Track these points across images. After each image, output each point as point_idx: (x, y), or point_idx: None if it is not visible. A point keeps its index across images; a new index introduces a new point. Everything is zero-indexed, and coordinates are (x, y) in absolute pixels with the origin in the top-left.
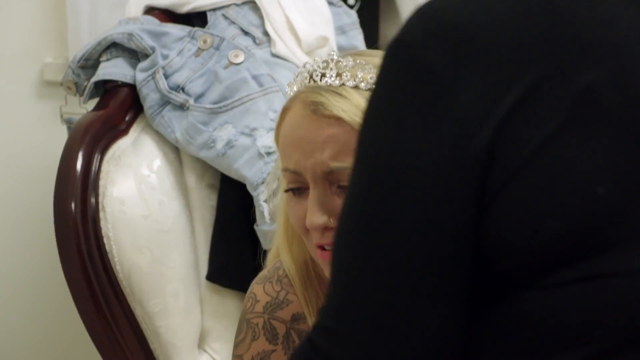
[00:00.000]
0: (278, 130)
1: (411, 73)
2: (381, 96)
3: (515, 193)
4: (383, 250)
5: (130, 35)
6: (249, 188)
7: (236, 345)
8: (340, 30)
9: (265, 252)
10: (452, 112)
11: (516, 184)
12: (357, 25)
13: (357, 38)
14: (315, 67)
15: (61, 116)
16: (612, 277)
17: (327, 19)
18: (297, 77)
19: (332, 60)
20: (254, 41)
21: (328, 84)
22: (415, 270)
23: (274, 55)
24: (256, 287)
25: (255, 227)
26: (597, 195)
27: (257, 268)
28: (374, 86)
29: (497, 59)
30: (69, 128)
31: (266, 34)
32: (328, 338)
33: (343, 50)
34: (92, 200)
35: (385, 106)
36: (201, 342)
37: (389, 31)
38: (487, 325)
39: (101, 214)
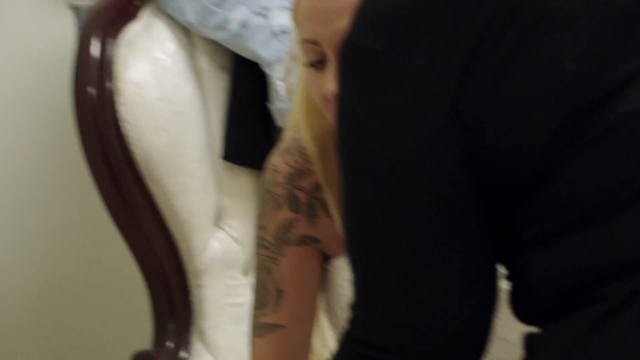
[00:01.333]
0: (296, 2)
1: (366, 66)
2: (345, 95)
3: (497, 108)
4: (390, 230)
5: None
6: (263, 67)
7: (260, 217)
8: None
9: (279, 130)
10: (412, 78)
11: (494, 102)
12: None
13: None
14: None
15: (68, 2)
16: (610, 131)
17: None
18: None
19: None
20: None
21: None
22: (426, 233)
23: None
24: (276, 158)
25: (269, 105)
26: (569, 70)
27: (271, 146)
28: None
29: (434, 22)
30: (77, 16)
31: None
32: (367, 329)
33: None
34: (109, 85)
35: (351, 102)
36: (217, 220)
37: None
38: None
39: (118, 98)
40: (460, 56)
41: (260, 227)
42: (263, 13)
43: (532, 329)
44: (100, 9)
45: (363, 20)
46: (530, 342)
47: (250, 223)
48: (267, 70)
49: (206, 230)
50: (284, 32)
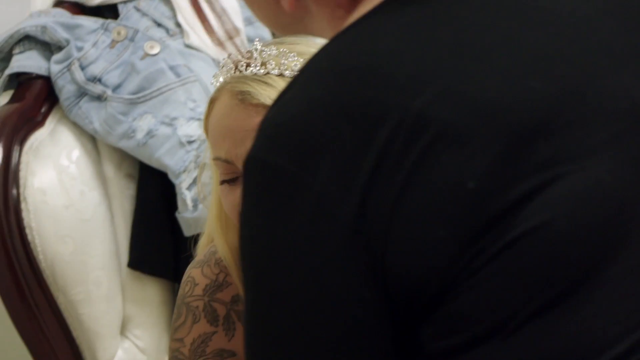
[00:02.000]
0: (207, 121)
1: (266, 180)
2: (247, 210)
3: (398, 228)
4: (291, 351)
5: (44, 27)
6: (170, 176)
7: (176, 330)
8: (248, 21)
9: (187, 239)
10: (314, 196)
11: (396, 223)
12: None
13: (264, 28)
14: (240, 57)
15: None
16: (510, 247)
17: (235, 10)
18: (222, 68)
19: (256, 50)
20: (167, 32)
21: (253, 73)
22: (330, 354)
23: (188, 46)
24: (194, 271)
25: (177, 214)
26: (469, 188)
27: (178, 255)
28: (298, 73)
29: (336, 139)
30: None
31: (178, 25)
32: None
33: (251, 42)
34: (14, 191)
35: (255, 220)
36: (123, 329)
37: None
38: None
39: (23, 205)
40: (362, 174)
41: (176, 340)
42: (169, 123)
43: None
44: (5, 115)
45: (266, 135)
46: None
47: (156, 332)
48: (174, 180)
49: (112, 339)
50: (190, 141)
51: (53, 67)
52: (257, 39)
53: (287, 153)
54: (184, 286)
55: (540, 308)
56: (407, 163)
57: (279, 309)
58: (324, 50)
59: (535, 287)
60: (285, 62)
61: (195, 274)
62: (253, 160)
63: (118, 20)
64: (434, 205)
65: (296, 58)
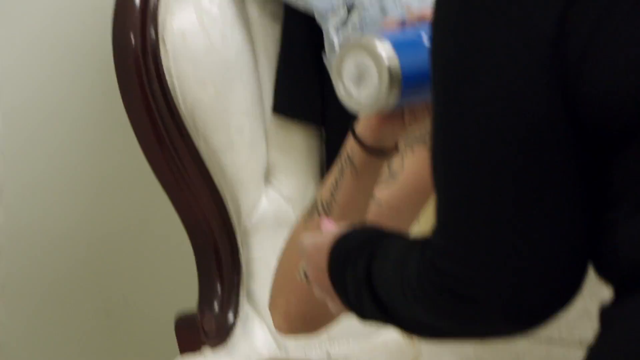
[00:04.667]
0: None
1: None
2: (442, 15)
3: (602, 43)
4: (481, 157)
5: None
6: (317, 18)
7: None
8: None
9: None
10: (512, 4)
11: (599, 37)
12: None
13: None
14: None
15: None
16: None
17: None
18: None
19: None
20: None
21: None
22: (519, 163)
23: None
24: None
25: (324, 56)
26: None
27: (324, 99)
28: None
29: None
30: None
31: None
32: (452, 260)
33: None
34: (152, 33)
35: (448, 23)
36: (267, 177)
37: None
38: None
39: (161, 48)
40: None
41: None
42: None
43: (608, 302)
44: None
45: None
46: (606, 315)
47: (301, 180)
48: (320, 21)
49: (255, 187)
50: None
51: None
52: None
53: None
54: None
55: None
56: None
57: (469, 113)
58: None
59: None
60: None
61: None
62: None
63: None
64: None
65: None
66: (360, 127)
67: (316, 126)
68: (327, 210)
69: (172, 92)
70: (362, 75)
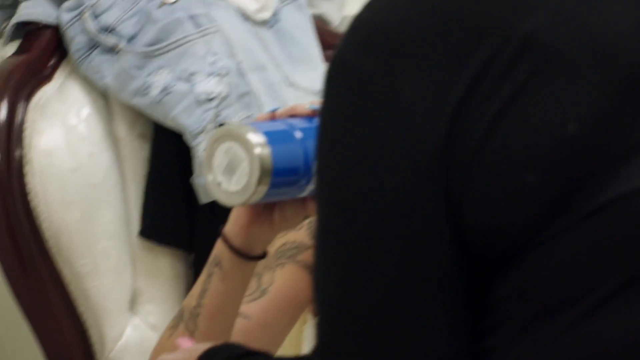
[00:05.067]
0: None
1: (352, 86)
2: (328, 118)
3: (484, 164)
4: (363, 269)
5: None
6: (187, 137)
7: None
8: None
9: (203, 207)
10: (400, 112)
11: (482, 157)
12: None
13: None
14: None
15: None
16: (604, 209)
17: None
18: None
19: None
20: None
21: None
22: (402, 276)
23: None
24: None
25: (193, 179)
26: (570, 132)
27: (193, 224)
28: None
29: (433, 49)
30: None
31: None
32: None
33: None
34: (18, 152)
35: (334, 127)
36: (133, 304)
37: None
38: (496, 302)
39: (27, 168)
40: (455, 93)
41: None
42: (187, 78)
43: None
44: (10, 68)
45: (356, 36)
46: None
47: (168, 307)
48: (190, 141)
49: (120, 315)
50: (209, 99)
51: (63, 15)
52: None
53: (379, 57)
54: None
55: (624, 286)
56: (505, 90)
57: (351, 222)
58: None
59: (628, 259)
60: None
61: None
62: (338, 62)
63: None
64: (527, 143)
65: None
66: (229, 227)
67: (185, 251)
68: (194, 319)
69: (36, 213)
70: (232, 164)
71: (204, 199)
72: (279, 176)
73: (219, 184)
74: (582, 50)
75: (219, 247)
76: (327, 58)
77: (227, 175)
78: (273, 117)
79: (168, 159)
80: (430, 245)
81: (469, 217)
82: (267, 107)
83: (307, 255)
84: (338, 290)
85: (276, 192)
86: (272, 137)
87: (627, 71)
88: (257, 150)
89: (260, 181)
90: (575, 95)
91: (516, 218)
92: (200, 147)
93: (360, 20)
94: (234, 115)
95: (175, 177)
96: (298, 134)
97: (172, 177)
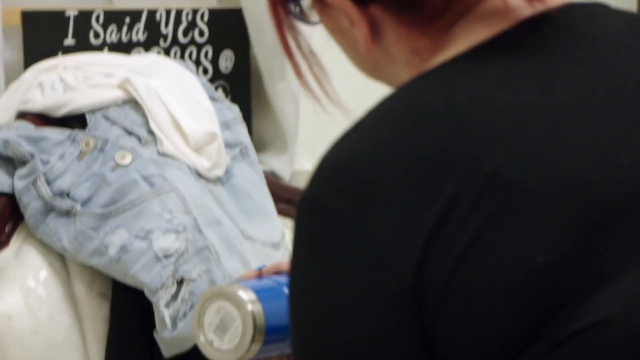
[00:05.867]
0: None
1: (320, 225)
2: (298, 258)
3: (454, 297)
4: None
5: (6, 141)
6: (147, 294)
7: None
8: (225, 125)
9: None
10: (370, 250)
11: (452, 291)
12: (241, 120)
13: (242, 132)
14: None
15: None
16: (572, 340)
17: (211, 115)
18: None
19: None
20: (140, 141)
21: None
22: None
23: (162, 154)
24: None
25: (155, 334)
26: (538, 263)
27: None
28: (366, 114)
29: (401, 187)
30: None
31: (151, 132)
32: None
33: (229, 147)
34: None
35: (305, 268)
36: None
37: (262, 126)
38: None
39: None
40: (424, 229)
41: None
42: (144, 236)
43: None
44: None
45: (323, 176)
46: None
47: None
48: (150, 297)
49: None
50: (167, 255)
51: (17, 182)
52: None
53: (346, 197)
54: None
55: None
56: (472, 225)
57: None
58: (399, 92)
59: None
60: None
61: None
62: (307, 202)
63: (86, 131)
64: (497, 274)
65: None
66: None
67: None
68: None
69: None
70: (224, 323)
71: (166, 353)
72: (271, 334)
73: (210, 343)
74: (546, 184)
75: None
76: (280, 211)
77: (219, 333)
78: (259, 274)
79: (128, 316)
80: None
81: (442, 351)
82: (226, 261)
83: None
84: None
85: (267, 349)
86: (262, 295)
87: (592, 203)
88: (249, 308)
89: (253, 339)
90: (541, 228)
91: (488, 349)
92: (160, 303)
93: (328, 161)
94: (193, 270)
95: (137, 334)
96: (286, 290)
97: (133, 333)
